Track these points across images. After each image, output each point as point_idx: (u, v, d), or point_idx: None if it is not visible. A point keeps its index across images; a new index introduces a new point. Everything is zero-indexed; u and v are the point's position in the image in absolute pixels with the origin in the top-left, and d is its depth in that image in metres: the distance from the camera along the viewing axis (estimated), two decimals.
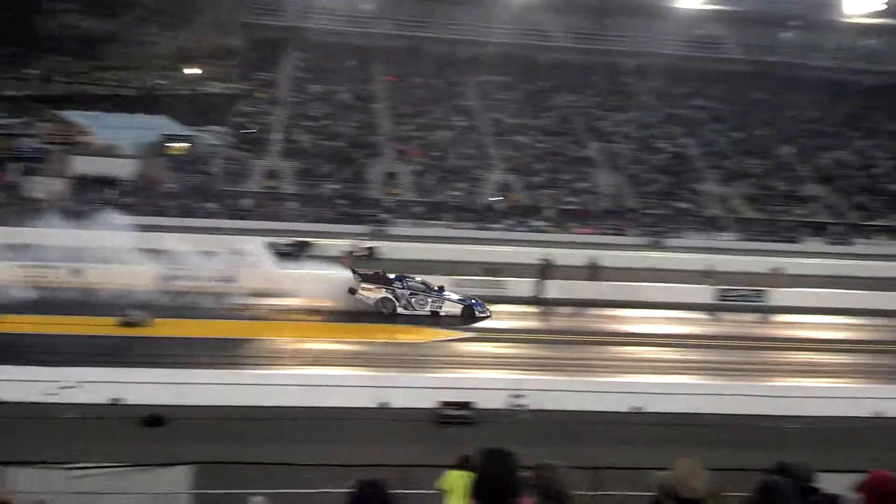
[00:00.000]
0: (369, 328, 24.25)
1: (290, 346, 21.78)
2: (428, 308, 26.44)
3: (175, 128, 57.74)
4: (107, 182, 45.19)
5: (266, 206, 45.52)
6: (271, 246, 29.88)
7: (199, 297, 24.76)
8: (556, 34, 64.57)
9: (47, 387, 15.73)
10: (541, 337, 24.75)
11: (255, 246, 28.49)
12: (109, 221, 27.79)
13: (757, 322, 28.96)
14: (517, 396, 16.87)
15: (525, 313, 27.20)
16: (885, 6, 63.88)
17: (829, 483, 7.96)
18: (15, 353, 17.91)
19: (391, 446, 14.46)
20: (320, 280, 26.91)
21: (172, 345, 20.77)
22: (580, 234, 45.52)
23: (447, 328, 24.33)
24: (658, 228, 47.65)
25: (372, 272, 26.94)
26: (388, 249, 34.64)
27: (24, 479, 9.84)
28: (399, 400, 16.85)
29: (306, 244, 33.74)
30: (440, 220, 46.66)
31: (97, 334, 21.02)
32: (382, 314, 25.47)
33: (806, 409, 18.22)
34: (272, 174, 49.00)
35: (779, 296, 31.03)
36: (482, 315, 26.41)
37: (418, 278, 26.96)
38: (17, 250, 26.58)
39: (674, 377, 20.91)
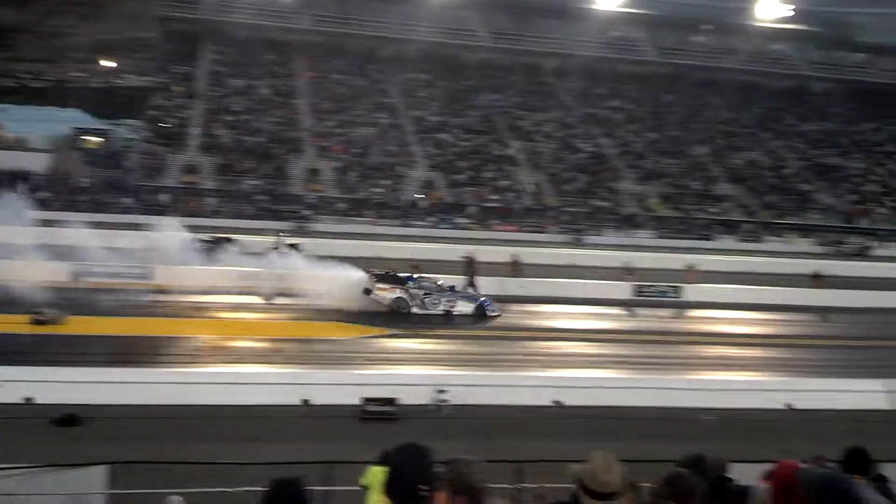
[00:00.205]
0: (293, 325, 24.02)
1: (211, 344, 21.42)
2: (441, 307, 26.76)
3: (89, 121, 56.11)
4: (18, 176, 43.58)
5: (184, 202, 44.56)
6: (191, 241, 29.34)
7: (113, 294, 24.10)
8: (478, 33, 65.02)
9: None
10: (464, 333, 24.89)
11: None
12: (21, 216, 26.88)
13: (673, 317, 29.72)
14: (440, 392, 16.96)
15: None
16: (793, 12, 66.33)
17: (741, 473, 8.26)
18: None
19: (314, 443, 14.35)
20: (336, 280, 26.79)
21: (87, 342, 20.19)
22: (502, 232, 45.93)
23: (372, 325, 24.24)
24: (578, 226, 48.43)
25: (386, 272, 27.16)
26: (311, 246, 34.29)
27: None
28: (323, 397, 16.75)
29: (225, 240, 33.16)
30: (363, 216, 46.47)
31: (8, 332, 20.29)
32: (319, 311, 25.23)
33: (721, 401, 18.79)
34: (190, 169, 48.01)
35: (694, 291, 31.90)
36: (492, 314, 26.82)
37: (429, 278, 27.36)
38: None
39: (593, 371, 21.31)
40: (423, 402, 16.87)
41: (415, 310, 26.48)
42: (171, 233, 29.42)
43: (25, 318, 21.02)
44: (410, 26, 63.36)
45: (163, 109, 53.45)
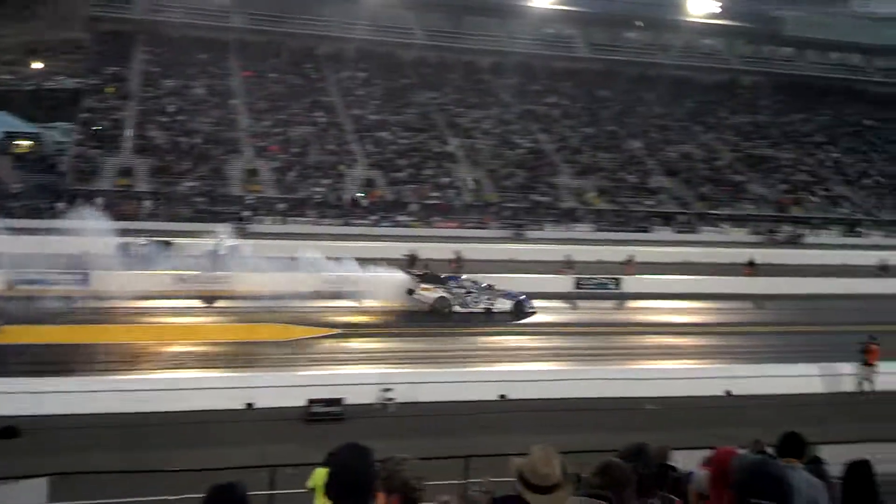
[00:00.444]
0: (235, 328, 23.77)
1: (151, 350, 21.07)
2: (482, 305, 27.21)
3: (19, 125, 54.56)
4: None
5: (120, 206, 43.61)
6: (127, 246, 28.85)
7: (51, 302, 23.52)
8: (414, 31, 65.03)
9: None
10: (409, 330, 24.90)
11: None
12: None
13: (613, 308, 30.18)
14: (386, 390, 16.98)
15: (391, 308, 27.28)
16: (721, 9, 67.88)
17: (683, 460, 8.47)
18: None
19: (259, 447, 14.25)
20: (380, 282, 27.41)
21: (24, 352, 19.69)
22: (444, 228, 46.04)
23: (316, 326, 24.10)
24: (518, 221, 48.78)
25: (426, 272, 27.83)
26: (251, 247, 33.90)
27: None
28: (267, 399, 16.63)
29: (163, 243, 32.59)
30: (304, 216, 46.10)
31: None
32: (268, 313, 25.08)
33: (663, 390, 19.18)
34: (125, 172, 46.98)
35: (632, 283, 32.43)
36: (530, 310, 27.32)
37: (468, 277, 28.02)
38: None
39: (538, 364, 21.55)
40: (369, 401, 16.87)
41: (457, 308, 26.94)
42: (107, 238, 28.88)
43: None
44: (347, 24, 63.05)
45: (95, 112, 52.19)
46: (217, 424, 15.58)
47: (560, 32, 70.46)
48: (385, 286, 27.28)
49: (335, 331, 23.79)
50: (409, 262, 30.38)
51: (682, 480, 6.41)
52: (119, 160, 47.80)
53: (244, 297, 25.86)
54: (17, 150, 49.48)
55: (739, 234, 51.00)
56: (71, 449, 13.60)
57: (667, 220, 52.18)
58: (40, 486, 10.28)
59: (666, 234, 49.84)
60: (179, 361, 20.05)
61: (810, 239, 51.12)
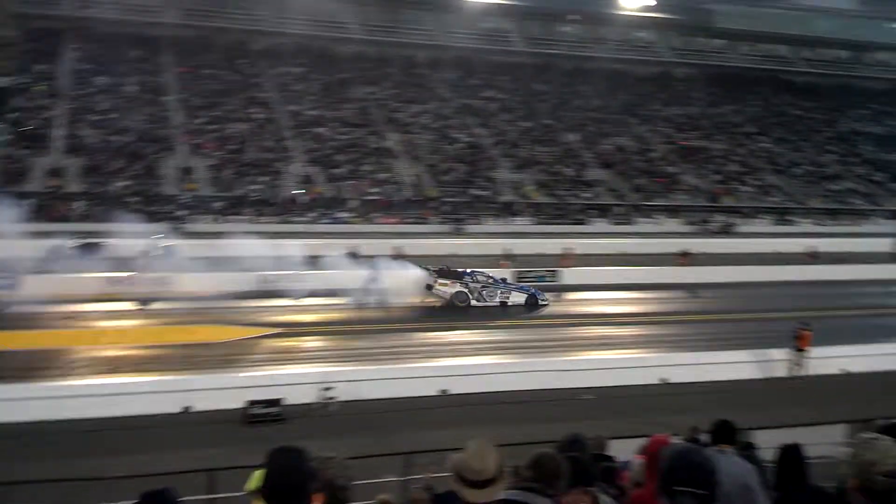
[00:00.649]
0: (171, 330, 23.37)
1: (83, 355, 20.58)
2: (497, 299, 28.14)
3: None
4: None
5: (51, 207, 42.47)
6: (57, 248, 28.14)
7: None
8: (350, 26, 64.64)
9: None
10: (349, 328, 24.78)
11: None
12: None
13: (552, 300, 30.41)
14: (327, 389, 16.89)
15: (333, 305, 27.12)
16: (654, 2, 68.98)
17: (621, 449, 8.60)
18: None
19: (197, 451, 14.07)
20: (400, 279, 27.89)
21: None
22: (384, 224, 45.93)
23: (254, 326, 23.81)
24: (458, 215, 48.90)
25: (443, 268, 28.56)
26: (188, 247, 33.32)
27: None
28: (204, 402, 16.42)
29: (95, 245, 31.83)
30: (241, 214, 45.47)
31: None
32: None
33: (601, 379, 19.48)
34: (55, 172, 45.76)
35: (570, 274, 32.77)
36: (543, 302, 28.39)
37: (482, 271, 28.78)
38: None
39: (478, 358, 21.67)
40: (309, 400, 16.76)
41: (473, 302, 27.86)
42: (39, 239, 28.15)
43: None
44: (282, 19, 62.42)
45: (24, 111, 50.71)
46: (153, 429, 15.34)
47: (496, 26, 70.80)
48: (405, 283, 27.94)
49: (275, 330, 23.56)
50: (351, 257, 30.25)
51: (618, 470, 6.52)
52: (49, 160, 46.53)
53: (181, 299, 25.43)
54: None
55: (674, 224, 51.90)
56: (3, 459, 13.22)
57: (603, 212, 52.84)
58: None
59: (603, 225, 50.49)
60: (113, 366, 19.61)
61: (743, 228, 52.29)
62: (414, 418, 16.50)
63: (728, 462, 5.01)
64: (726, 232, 50.91)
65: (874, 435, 3.45)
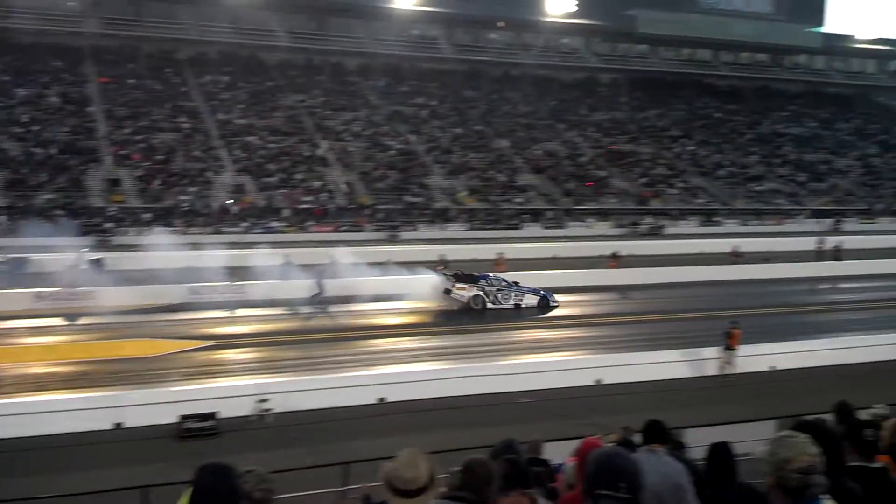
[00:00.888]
0: (100, 345, 22.80)
1: (9, 373, 19.95)
2: (512, 302, 29.00)
3: None
4: None
5: None
6: None
7: None
8: (277, 34, 64.06)
9: None
10: (283, 339, 24.54)
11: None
12: None
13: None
14: (262, 401, 16.70)
15: (267, 316, 26.83)
16: (578, 8, 70.14)
17: (556, 452, 8.72)
18: None
19: (130, 468, 13.78)
20: (419, 284, 29.01)
21: None
22: (318, 233, 45.59)
23: (186, 339, 23.39)
24: (392, 222, 48.87)
25: (459, 273, 29.51)
26: (116, 260, 32.61)
27: None
28: (136, 418, 16.09)
29: (21, 260, 30.94)
30: (171, 226, 44.58)
31: None
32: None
33: (537, 383, 19.67)
34: None
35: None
36: (553, 304, 29.27)
37: (496, 275, 29.73)
38: None
39: (416, 365, 21.65)
40: (244, 413, 16.56)
41: (490, 305, 28.69)
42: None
43: None
44: (207, 27, 61.58)
45: None
46: (84, 447, 14.97)
47: (425, 34, 71.09)
48: (424, 287, 28.96)
49: (207, 343, 23.19)
50: (283, 267, 30.01)
51: (552, 473, 6.61)
52: None
53: (109, 313, 24.85)
54: None
55: (604, 227, 52.72)
56: None
57: (535, 216, 53.40)
58: None
59: (535, 230, 51.03)
60: (41, 383, 19.06)
61: (671, 229, 53.39)
62: (352, 428, 16.43)
63: (659, 461, 5.10)
64: (655, 234, 51.94)
65: (789, 433, 3.57)
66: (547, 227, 51.84)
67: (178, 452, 14.75)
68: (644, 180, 60.93)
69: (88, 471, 13.67)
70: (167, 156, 50.55)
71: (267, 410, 16.65)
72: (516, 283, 29.75)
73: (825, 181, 66.89)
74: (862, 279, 37.51)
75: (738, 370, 21.64)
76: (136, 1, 60.84)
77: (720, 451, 5.17)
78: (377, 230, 47.73)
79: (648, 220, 54.27)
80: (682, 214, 57.13)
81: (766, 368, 22.14)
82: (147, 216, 44.95)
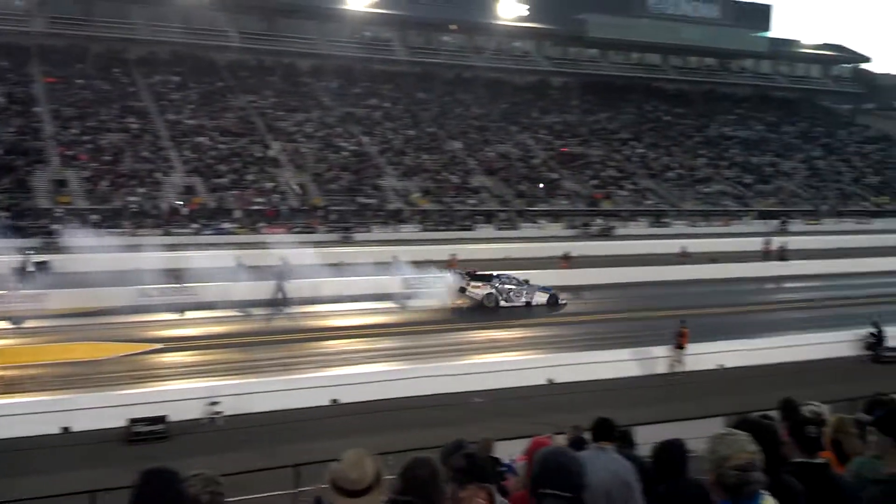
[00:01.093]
0: (47, 349, 22.38)
1: None
2: (523, 299, 30.05)
3: None
4: None
5: None
6: None
7: None
8: (228, 34, 63.38)
9: None
10: (233, 341, 24.31)
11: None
12: None
13: (440, 306, 30.67)
14: (213, 404, 16.56)
15: (218, 318, 26.58)
16: (529, 12, 70.62)
17: (508, 451, 8.81)
18: None
19: (78, 472, 13.59)
20: (437, 283, 30.31)
21: None
22: (270, 234, 45.18)
23: (135, 342, 23.05)
24: (345, 224, 48.67)
25: (473, 272, 30.43)
26: (64, 262, 31.98)
27: None
28: (85, 422, 15.84)
29: None
30: (120, 227, 43.84)
31: None
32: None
33: (490, 382, 19.80)
34: None
35: (458, 280, 33.01)
36: (562, 303, 30.51)
37: (508, 274, 30.68)
38: None
39: (369, 366, 21.64)
40: (195, 416, 16.39)
41: (502, 303, 29.70)
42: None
43: None
44: (156, 27, 60.67)
45: None
46: (31, 451, 14.69)
47: (377, 35, 70.94)
48: (441, 287, 30.16)
49: (157, 346, 22.90)
50: (235, 268, 29.76)
51: (503, 472, 6.69)
52: None
53: (57, 316, 24.40)
54: None
55: (556, 228, 53.11)
56: None
57: (488, 217, 53.61)
58: None
59: (488, 231, 51.22)
60: None
61: (621, 230, 53.99)
62: (304, 430, 16.36)
63: (608, 459, 5.19)
64: (605, 235, 52.46)
65: (729, 430, 3.64)
66: (500, 229, 52.05)
67: (127, 456, 14.55)
68: (595, 182, 61.52)
69: (36, 476, 13.44)
70: (115, 156, 49.71)
71: (217, 413, 16.51)
72: (527, 282, 30.73)
73: (771, 183, 68.26)
74: (807, 279, 38.42)
75: (687, 368, 22.03)
76: (85, 0, 59.69)
77: (668, 449, 5.27)
78: (330, 231, 47.46)
79: (599, 222, 54.80)
80: (631, 216, 57.78)
81: (713, 366, 22.56)
82: (95, 218, 44.13)
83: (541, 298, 30.37)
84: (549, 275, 34.89)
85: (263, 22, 66.04)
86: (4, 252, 30.04)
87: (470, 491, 3.51)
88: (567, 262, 36.94)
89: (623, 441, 7.38)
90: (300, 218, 48.77)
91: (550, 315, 29.53)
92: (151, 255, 34.64)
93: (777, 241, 44.87)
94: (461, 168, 59.10)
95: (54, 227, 41.99)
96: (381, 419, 17.07)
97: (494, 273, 30.65)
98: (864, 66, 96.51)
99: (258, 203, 49.13)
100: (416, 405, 18.06)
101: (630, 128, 72.79)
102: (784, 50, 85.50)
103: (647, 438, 8.67)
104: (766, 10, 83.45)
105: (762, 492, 3.43)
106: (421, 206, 53.08)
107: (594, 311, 30.58)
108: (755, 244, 45.08)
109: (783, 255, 42.77)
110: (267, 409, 17.12)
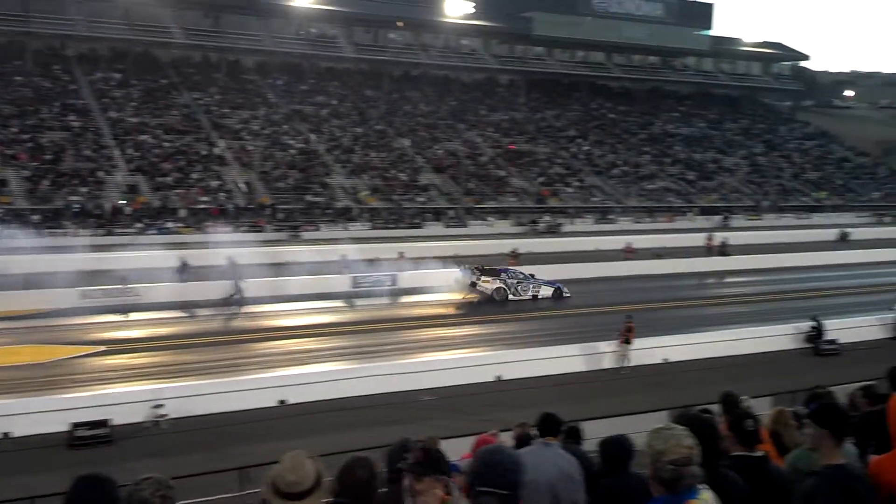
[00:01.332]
0: None
1: None
2: (530, 293, 31.16)
3: None
4: None
5: None
6: None
7: None
8: (172, 30, 62.36)
9: None
10: (180, 342, 23.97)
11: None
12: None
13: (389, 304, 30.63)
14: (157, 407, 16.32)
15: (162, 319, 26.19)
16: (475, 10, 70.84)
17: (455, 449, 8.81)
18: None
19: (18, 478, 13.29)
20: (450, 278, 31.25)
21: None
22: (217, 234, 44.52)
23: (78, 344, 22.59)
24: (293, 222, 48.29)
25: (483, 267, 31.58)
26: (4, 264, 31.08)
27: None
28: (25, 427, 15.50)
29: None
30: (61, 227, 42.89)
31: None
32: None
33: (439, 380, 19.83)
34: None
35: (406, 278, 33.06)
36: (567, 295, 31.62)
37: (515, 269, 31.91)
38: None
39: (318, 366, 21.52)
40: (139, 420, 16.14)
41: (511, 297, 30.71)
42: None
43: None
44: (97, 23, 59.37)
45: None
46: None
47: (324, 32, 70.46)
48: (454, 281, 31.14)
49: (99, 348, 22.48)
50: (181, 268, 29.36)
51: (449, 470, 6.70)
52: None
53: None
54: None
55: (504, 225, 53.40)
56: None
57: (437, 215, 53.67)
58: None
59: (437, 228, 51.24)
60: None
61: (567, 227, 54.45)
62: (251, 431, 16.21)
63: (552, 455, 5.25)
64: (553, 232, 52.88)
65: (666, 425, 3.69)
66: (448, 226, 52.14)
67: (69, 461, 14.28)
68: (542, 179, 61.97)
69: None
70: (56, 155, 48.64)
71: (162, 416, 16.28)
72: (532, 276, 31.82)
73: (713, 179, 69.53)
74: (748, 273, 39.23)
75: (634, 363, 22.33)
76: None
77: (612, 444, 5.34)
78: (278, 230, 47.06)
79: (546, 219, 55.23)
80: (578, 213, 58.36)
81: (659, 361, 22.91)
82: (35, 218, 43.12)
83: (546, 291, 31.62)
84: None
85: (208, 18, 65.08)
86: None
87: (427, 483, 3.52)
88: (515, 259, 37.17)
89: (570, 436, 7.47)
90: (247, 217, 48.23)
91: (497, 312, 29.62)
92: (94, 255, 34.05)
93: (719, 237, 45.74)
94: (410, 166, 59.04)
95: None
96: (329, 419, 17.01)
97: (502, 268, 32.15)
98: (802, 63, 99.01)
99: (203, 202, 48.47)
100: (365, 404, 18.01)
101: (576, 125, 73.47)
102: (726, 48, 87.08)
103: (595, 433, 8.79)
104: (708, 8, 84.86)
105: (699, 486, 3.46)
106: (369, 203, 52.93)
107: (541, 307, 30.80)
108: (698, 240, 45.89)
109: (725, 250, 43.60)
110: (213, 412, 16.93)
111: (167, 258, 30.29)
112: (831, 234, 53.17)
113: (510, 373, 20.98)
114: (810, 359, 24.18)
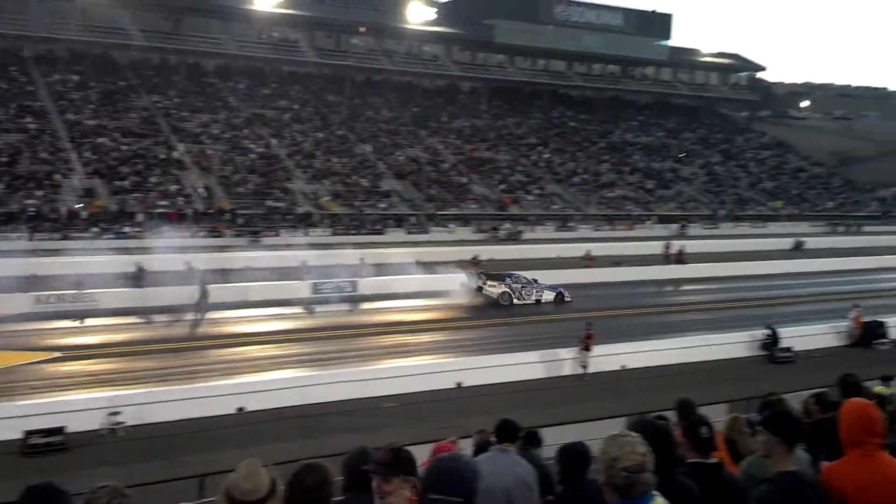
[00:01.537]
0: None
1: None
2: (533, 297, 31.78)
3: None
4: None
5: None
6: None
7: None
8: (131, 32, 61.64)
9: None
10: (136, 349, 23.68)
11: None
12: None
13: (349, 311, 30.56)
14: (114, 414, 16.10)
15: (119, 325, 25.84)
16: (438, 17, 71.01)
17: (415, 456, 8.81)
18: None
19: None
20: (456, 282, 31.73)
21: None
22: (175, 238, 43.98)
23: (31, 350, 22.21)
24: (253, 227, 47.92)
25: (489, 271, 32.60)
26: None
27: None
28: None
29: None
30: (16, 231, 42.07)
31: None
32: None
33: (400, 387, 19.82)
34: None
35: (367, 284, 33.03)
36: (568, 300, 32.28)
37: (519, 274, 32.48)
38: None
39: (277, 373, 21.40)
40: (95, 427, 15.92)
41: (515, 301, 31.38)
42: None
43: None
44: (55, 24, 58.51)
45: None
46: None
47: (286, 36, 70.18)
48: (460, 285, 31.72)
49: (54, 354, 22.11)
50: (137, 276, 28.98)
51: None
52: None
53: None
54: None
55: (465, 232, 53.51)
56: None
57: (399, 221, 53.64)
58: None
59: (399, 235, 51.19)
60: None
61: (528, 235, 54.74)
62: (210, 439, 16.06)
63: (509, 461, 5.29)
64: (513, 239, 53.12)
65: (621, 431, 3.75)
66: (410, 233, 52.12)
67: (23, 469, 14.04)
68: (503, 187, 62.26)
69: None
70: (12, 158, 47.75)
71: (118, 424, 16.07)
72: (535, 281, 32.35)
73: (672, 188, 70.44)
74: (704, 281, 39.77)
75: (593, 370, 22.52)
76: None
77: (569, 452, 5.40)
78: (237, 235, 46.63)
79: (507, 226, 55.46)
80: (538, 220, 58.71)
81: (618, 367, 23.11)
82: None
83: (549, 296, 32.13)
84: (458, 278, 35.14)
85: (168, 20, 64.52)
86: None
87: (395, 484, 3.54)
88: (476, 265, 37.28)
89: (529, 442, 7.53)
90: (206, 222, 47.72)
91: (457, 319, 29.71)
92: (48, 260, 33.53)
93: (676, 245, 46.33)
94: (371, 171, 58.97)
95: None
96: (289, 426, 16.90)
97: (507, 273, 32.72)
98: (759, 74, 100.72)
99: (162, 206, 47.87)
100: (325, 411, 17.92)
101: (537, 133, 73.95)
102: (684, 58, 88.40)
103: (555, 439, 8.88)
104: (667, 19, 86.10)
105: (653, 493, 3.50)
106: (331, 209, 52.72)
107: (501, 314, 30.92)
108: (656, 248, 46.42)
109: (682, 258, 44.18)
110: (171, 419, 16.75)
111: (124, 263, 29.91)
112: (786, 244, 54.18)
113: (471, 379, 21.02)
114: (765, 366, 24.56)
